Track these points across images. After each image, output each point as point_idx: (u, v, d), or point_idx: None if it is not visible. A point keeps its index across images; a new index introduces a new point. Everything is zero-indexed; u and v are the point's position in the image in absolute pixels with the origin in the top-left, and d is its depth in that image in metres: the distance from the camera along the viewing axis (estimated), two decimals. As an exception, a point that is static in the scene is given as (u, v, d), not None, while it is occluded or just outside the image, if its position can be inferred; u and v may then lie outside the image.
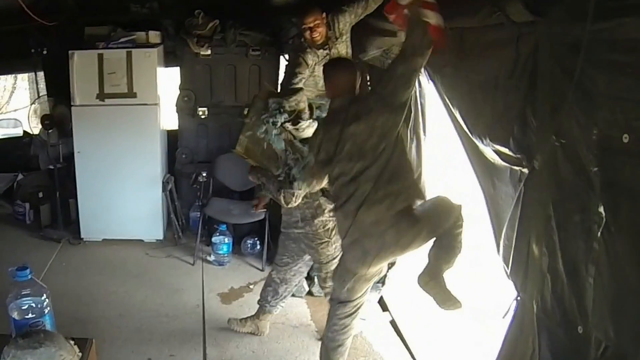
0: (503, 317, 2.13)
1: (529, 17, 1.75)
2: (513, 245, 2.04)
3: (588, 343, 1.60)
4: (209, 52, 4.60)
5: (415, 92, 3.26)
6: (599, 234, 1.49)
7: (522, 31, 1.83)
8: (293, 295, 3.79)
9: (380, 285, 3.74)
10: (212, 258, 4.33)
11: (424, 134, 3.36)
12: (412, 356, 3.20)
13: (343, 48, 3.51)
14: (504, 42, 1.91)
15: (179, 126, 4.96)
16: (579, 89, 1.53)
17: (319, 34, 3.32)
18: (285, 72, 3.68)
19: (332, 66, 2.72)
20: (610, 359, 1.52)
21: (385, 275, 3.72)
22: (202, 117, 4.80)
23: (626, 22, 1.33)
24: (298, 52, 3.41)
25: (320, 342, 3.11)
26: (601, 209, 1.48)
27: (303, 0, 3.69)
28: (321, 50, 3.41)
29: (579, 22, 1.48)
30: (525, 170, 1.92)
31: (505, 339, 2.11)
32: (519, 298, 2.05)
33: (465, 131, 2.39)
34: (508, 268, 2.11)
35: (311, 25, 3.30)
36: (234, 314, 3.60)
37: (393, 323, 3.50)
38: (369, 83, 4.15)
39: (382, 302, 3.67)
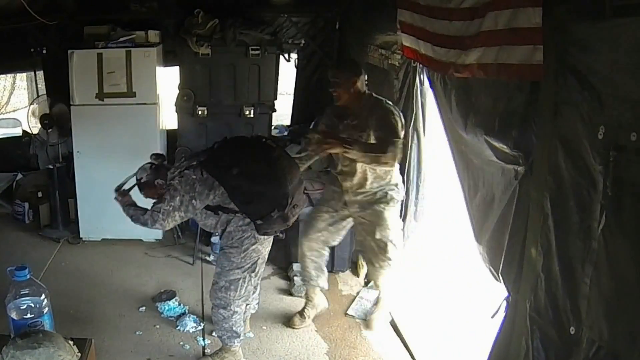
0: (492, 317, 2.13)
1: None
2: (505, 246, 2.03)
3: (580, 344, 1.60)
4: (208, 51, 4.59)
5: (417, 91, 3.26)
6: (599, 233, 1.49)
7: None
8: (292, 295, 3.81)
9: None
10: (211, 258, 4.32)
11: (424, 133, 3.36)
12: (412, 356, 3.19)
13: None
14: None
15: (178, 126, 4.94)
16: (585, 88, 1.53)
17: (338, 94, 3.14)
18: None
19: None
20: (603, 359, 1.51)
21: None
22: (202, 116, 4.78)
23: (634, 21, 1.33)
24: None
25: (319, 342, 3.11)
26: (603, 208, 1.47)
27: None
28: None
29: (586, 20, 1.48)
30: (521, 169, 1.91)
31: (496, 338, 2.11)
32: (509, 298, 2.05)
33: (456, 131, 2.39)
34: (497, 269, 2.10)
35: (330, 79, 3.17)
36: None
37: (393, 323, 3.49)
38: (366, 83, 4.14)
39: (382, 302, 3.66)
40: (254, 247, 2.86)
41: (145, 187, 2.89)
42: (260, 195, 2.75)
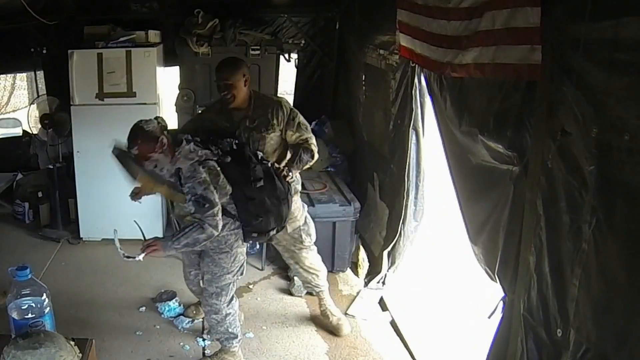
0: (489, 318, 2.14)
1: None
2: (500, 246, 2.04)
3: (566, 347, 1.60)
4: (208, 51, 4.60)
5: (415, 90, 3.27)
6: (589, 234, 1.48)
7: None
8: (292, 295, 3.81)
9: (380, 285, 3.74)
10: (211, 258, 4.32)
11: (423, 133, 3.36)
12: (412, 356, 3.19)
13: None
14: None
15: (178, 126, 4.95)
16: (579, 87, 1.53)
17: (232, 96, 3.00)
18: None
19: None
20: None
21: (385, 275, 3.73)
22: (202, 116, 4.78)
23: (627, 21, 1.33)
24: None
25: (319, 342, 3.09)
26: (594, 209, 1.47)
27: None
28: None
29: (580, 21, 1.48)
30: (516, 169, 1.92)
31: (494, 338, 2.11)
32: (505, 298, 2.05)
33: (450, 132, 2.40)
34: (493, 270, 2.10)
35: (222, 83, 3.01)
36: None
37: (393, 323, 3.49)
38: (364, 82, 4.15)
39: (382, 302, 3.66)
40: (241, 249, 2.89)
41: (143, 139, 2.56)
42: (269, 213, 2.79)
